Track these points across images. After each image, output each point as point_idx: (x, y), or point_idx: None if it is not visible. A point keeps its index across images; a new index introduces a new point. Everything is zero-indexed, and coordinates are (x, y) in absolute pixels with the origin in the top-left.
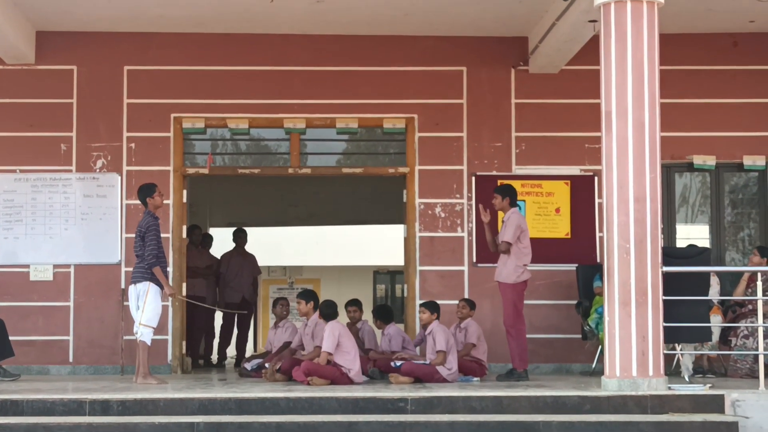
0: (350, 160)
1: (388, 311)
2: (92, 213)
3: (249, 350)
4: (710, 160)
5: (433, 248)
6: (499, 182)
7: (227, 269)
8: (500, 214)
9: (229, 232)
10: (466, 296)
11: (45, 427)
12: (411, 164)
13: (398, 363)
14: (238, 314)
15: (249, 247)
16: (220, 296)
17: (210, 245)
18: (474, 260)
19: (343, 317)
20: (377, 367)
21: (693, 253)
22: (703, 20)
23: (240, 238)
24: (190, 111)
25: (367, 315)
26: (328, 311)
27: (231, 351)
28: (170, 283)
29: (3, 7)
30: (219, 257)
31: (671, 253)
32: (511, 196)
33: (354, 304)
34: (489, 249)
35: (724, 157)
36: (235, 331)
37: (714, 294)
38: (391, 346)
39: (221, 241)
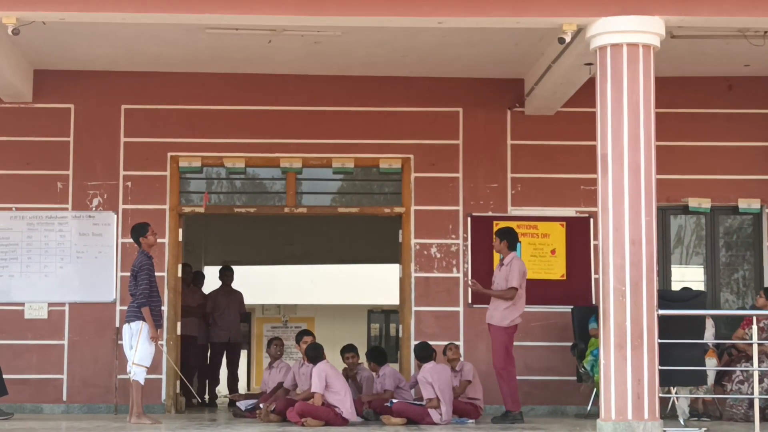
0: (346, 200)
1: (381, 353)
2: (88, 251)
3: (242, 389)
4: (705, 203)
5: (429, 289)
6: (495, 223)
7: (213, 307)
8: (496, 254)
9: None
10: (461, 337)
11: None
12: (407, 204)
13: (393, 401)
14: (226, 352)
15: (244, 286)
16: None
17: (202, 283)
18: (469, 301)
19: (338, 360)
20: (372, 409)
21: (688, 297)
22: (698, 64)
23: (226, 275)
24: (186, 150)
25: (362, 356)
26: (314, 353)
27: (224, 390)
28: (165, 322)
29: (0, 45)
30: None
31: (667, 296)
32: (509, 239)
33: (350, 351)
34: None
35: (719, 200)
36: (225, 370)
37: (709, 337)
38: (385, 386)
39: (217, 279)
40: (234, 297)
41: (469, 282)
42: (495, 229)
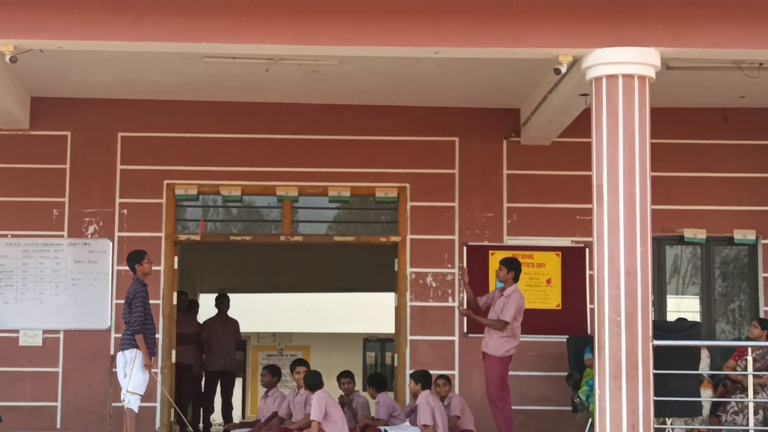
0: (342, 228)
1: (382, 379)
2: (83, 278)
3: (236, 417)
4: (701, 234)
5: (424, 318)
6: (491, 253)
7: (209, 335)
8: (492, 283)
9: None
10: (456, 367)
11: None
12: (403, 233)
13: (386, 429)
14: (221, 381)
15: (239, 314)
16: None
17: (197, 312)
18: (465, 330)
19: (334, 388)
20: None
21: (684, 327)
22: (693, 95)
23: (222, 303)
24: (183, 178)
25: (359, 384)
26: (313, 381)
27: (218, 418)
28: (159, 350)
29: None
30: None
31: (662, 327)
32: (516, 271)
33: (347, 376)
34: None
35: (714, 231)
36: (220, 398)
37: (704, 368)
38: (378, 415)
39: (212, 307)
40: (229, 325)
41: (460, 308)
42: (491, 258)
